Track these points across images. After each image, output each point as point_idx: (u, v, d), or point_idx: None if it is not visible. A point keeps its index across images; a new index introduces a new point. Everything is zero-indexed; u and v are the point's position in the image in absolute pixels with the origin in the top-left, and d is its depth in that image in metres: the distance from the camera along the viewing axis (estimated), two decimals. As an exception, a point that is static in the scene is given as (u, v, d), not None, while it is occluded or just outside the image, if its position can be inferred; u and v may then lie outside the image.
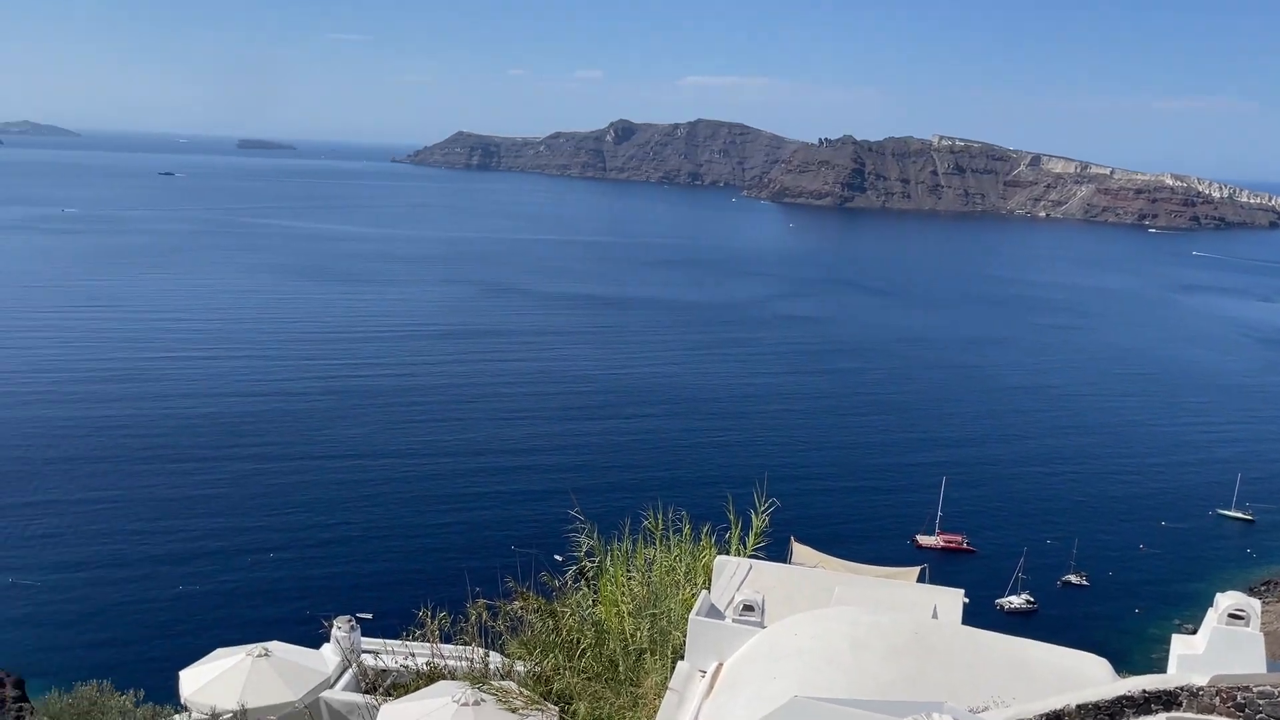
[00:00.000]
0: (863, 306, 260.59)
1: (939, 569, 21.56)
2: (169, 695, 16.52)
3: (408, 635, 16.41)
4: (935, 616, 11.16)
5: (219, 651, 17.74)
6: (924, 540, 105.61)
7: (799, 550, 15.55)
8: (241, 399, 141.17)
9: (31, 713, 18.46)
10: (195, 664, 17.28)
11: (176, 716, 15.11)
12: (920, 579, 14.87)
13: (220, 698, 15.73)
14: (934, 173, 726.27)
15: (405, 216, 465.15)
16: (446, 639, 15.80)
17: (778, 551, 14.38)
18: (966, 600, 11.81)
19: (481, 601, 14.70)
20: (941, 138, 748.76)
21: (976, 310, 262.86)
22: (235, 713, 14.71)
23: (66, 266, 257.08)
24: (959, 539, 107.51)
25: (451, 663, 15.56)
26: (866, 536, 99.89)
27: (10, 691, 65.71)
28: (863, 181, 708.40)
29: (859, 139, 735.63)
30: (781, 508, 14.32)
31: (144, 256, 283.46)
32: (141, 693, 15.43)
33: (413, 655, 16.14)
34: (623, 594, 13.55)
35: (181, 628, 78.67)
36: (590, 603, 14.10)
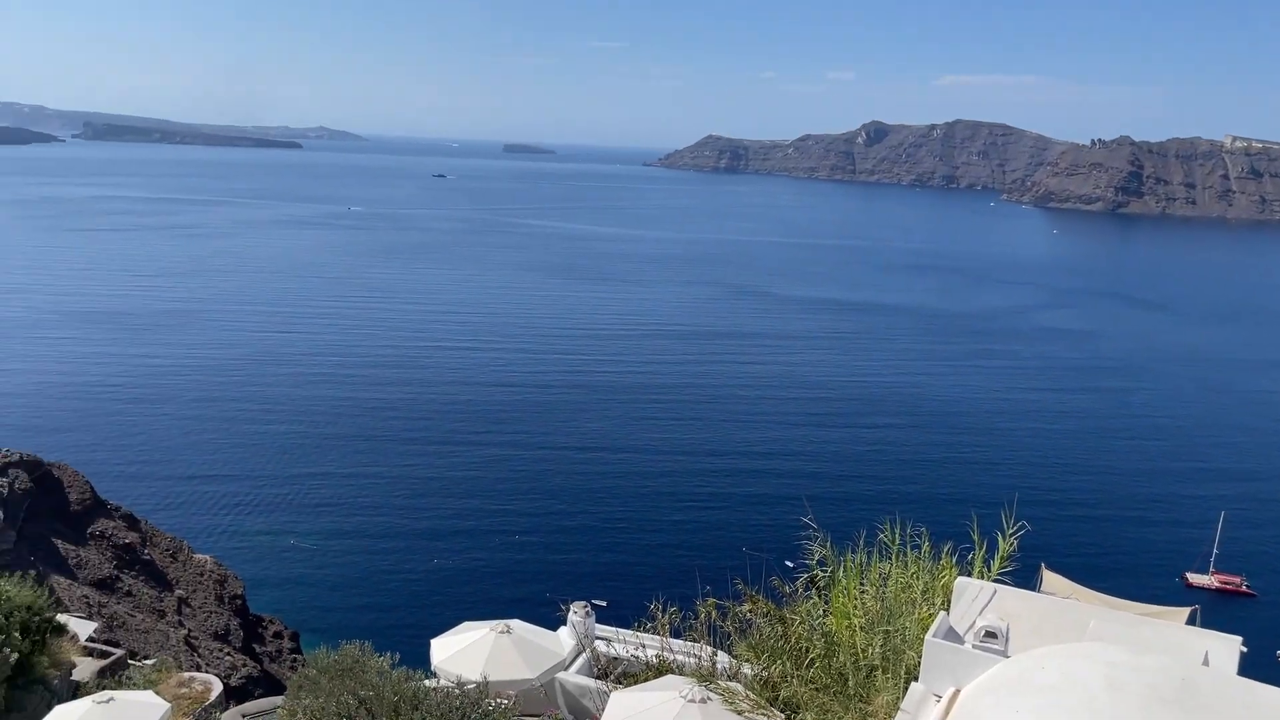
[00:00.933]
0: (1135, 321, 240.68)
1: (1212, 612, 19.46)
2: (420, 661, 17.71)
3: (639, 626, 16.75)
4: (1206, 664, 10.10)
5: (466, 624, 18.87)
6: (1195, 579, 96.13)
7: (1049, 579, 14.59)
8: (497, 388, 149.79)
9: (304, 664, 20.15)
10: (445, 634, 18.47)
11: (427, 681, 16.19)
12: (1190, 621, 13.54)
13: (466, 668, 16.71)
14: (1225, 176, 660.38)
15: (654, 218, 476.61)
16: (676, 634, 16.01)
17: (1025, 578, 13.51)
18: (1244, 649, 10.60)
19: (711, 600, 14.76)
20: (1235, 138, 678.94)
21: (1272, 330, 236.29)
22: (478, 684, 15.55)
23: (350, 260, 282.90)
24: (1237, 580, 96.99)
25: (680, 658, 15.76)
26: (1128, 570, 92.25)
27: (287, 643, 73.21)
28: (1140, 185, 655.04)
29: (1136, 139, 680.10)
30: (1032, 532, 13.42)
31: (416, 252, 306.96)
32: (397, 656, 16.63)
33: (643, 646, 16.47)
34: (855, 607, 13.19)
35: (433, 599, 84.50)
36: (821, 613, 13.83)
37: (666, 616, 15.83)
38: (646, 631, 16.45)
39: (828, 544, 13.91)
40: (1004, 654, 10.08)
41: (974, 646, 10.24)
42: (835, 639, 13.03)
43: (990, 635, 10.21)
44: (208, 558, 76.01)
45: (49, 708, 22.80)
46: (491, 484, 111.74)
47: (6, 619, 25.72)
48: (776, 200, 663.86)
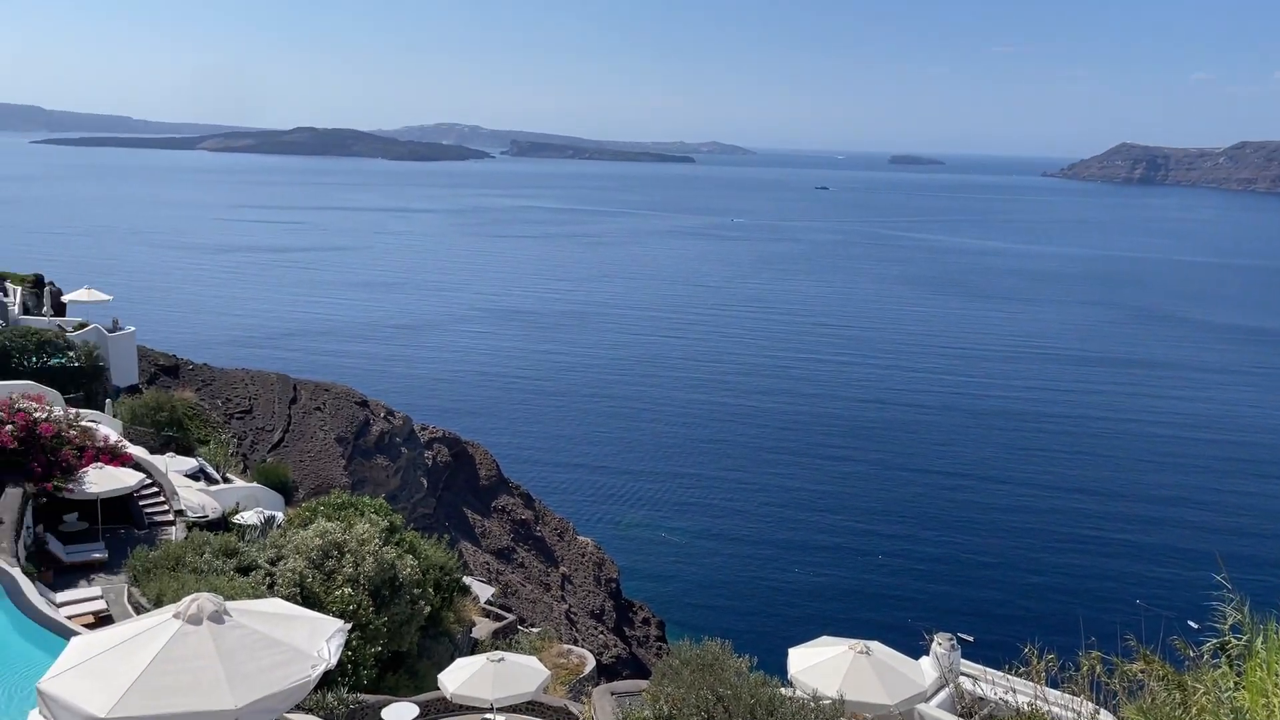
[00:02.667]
0: None
1: None
2: (776, 668, 17.85)
3: (1010, 669, 15.71)
4: None
5: (825, 639, 18.72)
6: None
7: None
8: (868, 404, 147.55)
9: (668, 653, 21.13)
10: (803, 645, 18.43)
11: (783, 690, 16.30)
12: None
13: (822, 683, 16.58)
14: None
15: (1050, 232, 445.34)
16: (1052, 683, 14.81)
17: None
18: None
19: (1096, 654, 13.49)
20: None
21: None
22: (834, 700, 15.38)
23: (730, 269, 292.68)
24: None
25: (1055, 709, 14.56)
26: None
27: (654, 630, 77.21)
28: None
29: None
30: None
31: (793, 263, 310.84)
32: (755, 659, 16.93)
33: (1014, 690, 15.42)
34: (1275, 684, 11.40)
35: (791, 609, 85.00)
36: (1231, 685, 12.12)
37: (1042, 663, 14.69)
38: (1018, 675, 15.37)
39: (1245, 609, 12.18)
40: None
41: None
42: (1247, 716, 11.36)
43: None
44: (589, 540, 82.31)
45: (451, 658, 25.87)
46: (857, 501, 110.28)
47: (424, 575, 29.57)
48: (1199, 215, 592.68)
